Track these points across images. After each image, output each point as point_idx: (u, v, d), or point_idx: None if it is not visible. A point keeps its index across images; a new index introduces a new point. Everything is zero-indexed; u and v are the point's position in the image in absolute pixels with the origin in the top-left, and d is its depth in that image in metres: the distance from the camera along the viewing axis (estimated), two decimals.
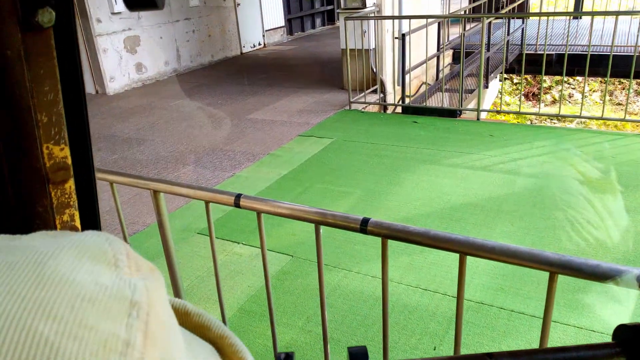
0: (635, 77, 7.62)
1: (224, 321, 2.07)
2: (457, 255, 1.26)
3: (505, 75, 14.89)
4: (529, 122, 12.76)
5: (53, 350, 0.21)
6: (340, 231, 3.56)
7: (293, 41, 12.55)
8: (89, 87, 8.04)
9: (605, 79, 5.53)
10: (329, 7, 14.21)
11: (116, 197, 1.76)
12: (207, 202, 1.58)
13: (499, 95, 14.57)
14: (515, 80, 16.61)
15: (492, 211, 3.78)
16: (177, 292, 2.20)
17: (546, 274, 1.22)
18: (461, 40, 5.76)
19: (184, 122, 6.41)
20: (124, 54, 8.24)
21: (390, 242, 1.58)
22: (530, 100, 15.57)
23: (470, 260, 3.14)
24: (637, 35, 5.39)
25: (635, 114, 13.90)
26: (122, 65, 8.24)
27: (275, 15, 12.11)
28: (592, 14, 6.06)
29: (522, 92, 16.08)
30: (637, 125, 9.81)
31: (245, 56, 10.87)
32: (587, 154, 4.72)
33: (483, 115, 6.23)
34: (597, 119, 6.94)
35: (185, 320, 0.37)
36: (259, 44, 11.57)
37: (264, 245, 1.58)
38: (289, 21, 12.85)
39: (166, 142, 5.68)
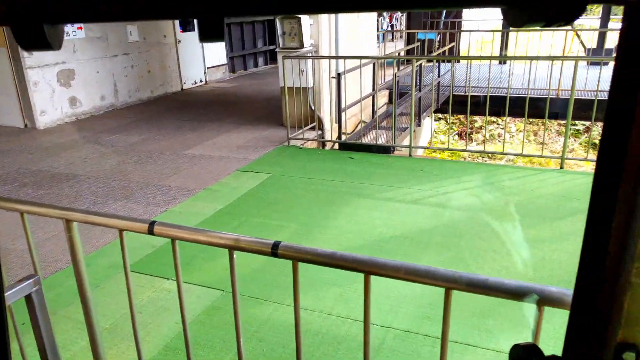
0: (551, 118, 8.22)
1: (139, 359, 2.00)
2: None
3: (439, 115, 15.64)
4: (462, 160, 13.36)
5: None
6: (273, 264, 3.57)
7: (235, 79, 12.67)
8: (17, 121, 7.73)
9: (529, 119, 5.95)
10: (272, 47, 14.53)
11: (27, 229, 1.70)
12: (120, 231, 1.56)
13: (434, 134, 15.23)
14: (449, 120, 17.47)
15: (421, 243, 3.91)
16: (91, 333, 2.08)
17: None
18: (393, 81, 6.05)
19: (118, 157, 6.27)
20: (57, 88, 8.01)
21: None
22: (463, 139, 16.38)
23: (398, 289, 3.20)
24: (553, 79, 5.87)
25: (557, 152, 14.89)
26: (55, 99, 8.00)
27: (217, 53, 12.23)
28: (509, 58, 6.56)
29: (456, 132, 16.91)
30: (557, 162, 10.51)
31: (186, 92, 10.85)
32: (510, 187, 5.02)
33: (420, 152, 6.54)
34: (516, 155, 7.40)
35: None
36: (201, 81, 11.60)
37: (179, 275, 1.57)
38: (231, 59, 13.01)
39: (98, 178, 5.51)
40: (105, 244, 3.97)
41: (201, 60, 11.54)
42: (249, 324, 2.98)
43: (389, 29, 20.00)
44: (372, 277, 1.37)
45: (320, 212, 4.52)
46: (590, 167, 7.05)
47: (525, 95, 8.16)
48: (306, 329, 2.92)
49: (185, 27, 10.85)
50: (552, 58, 6.30)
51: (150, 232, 1.46)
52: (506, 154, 6.67)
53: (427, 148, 7.83)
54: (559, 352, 0.60)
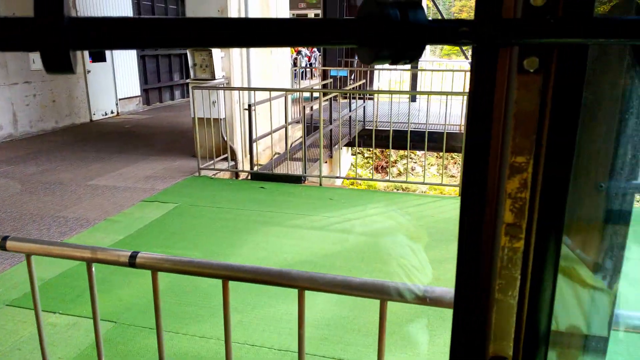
0: (448, 151, 8.78)
1: None
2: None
3: (357, 150, 16.17)
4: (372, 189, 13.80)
5: None
6: (171, 293, 3.45)
7: (149, 111, 12.38)
8: None
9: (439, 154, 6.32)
10: (189, 80, 14.42)
11: None
12: None
13: (352, 168, 15.68)
14: (366, 155, 18.11)
15: (324, 267, 3.97)
16: None
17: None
18: (302, 114, 6.22)
19: (12, 188, 5.85)
20: None
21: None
22: (379, 172, 16.98)
23: (293, 312, 3.20)
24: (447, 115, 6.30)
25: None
26: None
27: (130, 84, 11.93)
28: (410, 92, 6.94)
29: (373, 166, 17.53)
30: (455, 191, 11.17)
31: (95, 124, 10.42)
32: (412, 214, 5.26)
33: (339, 181, 6.69)
34: (418, 183, 7.81)
35: None
36: (112, 112, 11.22)
37: (35, 293, 1.48)
38: (145, 91, 12.73)
39: None
40: None
41: (113, 91, 11.20)
42: (141, 355, 2.85)
43: (308, 66, 20.61)
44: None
45: (227, 241, 4.47)
46: None
47: (436, 130, 8.69)
48: (201, 356, 2.84)
49: (95, 57, 10.53)
50: (445, 93, 6.78)
51: (2, 247, 1.38)
52: (407, 182, 7.02)
53: (337, 177, 8.04)
54: None
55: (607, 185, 0.55)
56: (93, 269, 1.42)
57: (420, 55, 0.39)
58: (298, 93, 8.88)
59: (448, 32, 0.40)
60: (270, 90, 6.37)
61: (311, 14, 24.53)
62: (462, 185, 0.55)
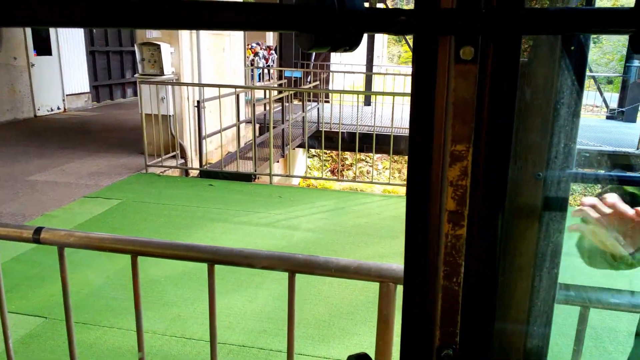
0: (396, 153, 8.96)
1: None
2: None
3: (313, 152, 16.22)
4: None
5: None
6: (109, 288, 3.36)
7: (99, 108, 12.01)
8: None
9: (394, 157, 6.42)
10: (137, 75, 14.08)
11: None
12: None
13: (308, 170, 15.72)
14: (323, 157, 18.23)
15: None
16: None
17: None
18: (252, 113, 6.20)
19: None
20: None
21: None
22: (334, 175, 17.09)
23: (238, 305, 3.18)
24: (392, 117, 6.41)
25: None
26: None
27: (79, 80, 11.54)
28: (358, 92, 7.01)
29: (329, 168, 17.63)
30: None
31: (40, 119, 10.01)
32: (358, 211, 5.32)
33: (295, 182, 6.67)
34: (367, 182, 7.93)
35: None
36: (58, 108, 10.81)
37: None
38: (95, 88, 12.34)
39: None
40: None
41: (59, 86, 10.79)
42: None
43: (265, 67, 20.52)
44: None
45: (170, 237, 4.38)
46: None
47: (383, 133, 8.82)
48: (134, 352, 2.77)
49: (40, 51, 10.13)
50: (383, 94, 6.91)
51: None
52: (356, 181, 7.11)
53: (292, 177, 8.03)
54: None
55: (544, 175, 0.56)
56: None
57: (358, 43, 0.39)
58: (250, 94, 8.83)
59: (386, 20, 0.41)
60: (220, 86, 6.31)
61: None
62: (408, 174, 0.56)
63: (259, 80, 16.92)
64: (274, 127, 8.74)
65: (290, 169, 10.72)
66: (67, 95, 11.08)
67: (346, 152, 14.16)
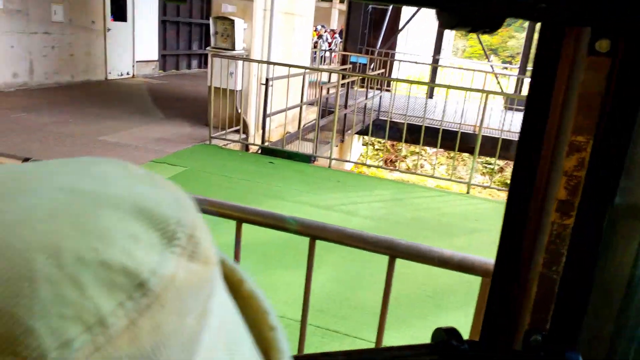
0: (465, 151, 8.74)
1: None
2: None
3: (368, 140, 16.14)
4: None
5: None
6: None
7: (165, 77, 12.37)
8: None
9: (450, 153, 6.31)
10: (208, 48, 14.36)
11: None
12: None
13: (362, 157, 15.68)
14: (376, 147, 18.07)
15: (325, 246, 3.97)
16: None
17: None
18: (319, 96, 6.19)
19: (24, 135, 5.87)
20: None
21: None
22: (388, 165, 16.96)
23: (298, 282, 3.21)
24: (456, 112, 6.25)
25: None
26: None
27: (149, 48, 11.90)
28: (426, 84, 6.89)
29: (382, 158, 17.50)
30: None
31: (110, 82, 10.42)
32: (418, 204, 5.25)
33: (348, 167, 6.69)
34: (427, 176, 7.80)
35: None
36: (128, 74, 11.21)
37: None
38: (163, 57, 12.70)
39: None
40: None
41: (130, 52, 11.17)
42: None
43: (327, 52, 20.47)
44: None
45: None
46: (493, 194, 7.54)
47: (450, 129, 8.64)
48: None
49: (116, 16, 10.49)
50: (465, 89, 6.73)
51: None
52: (416, 173, 7.00)
53: (346, 161, 8.02)
54: None
55: None
56: None
57: (499, 26, 0.39)
58: (315, 76, 8.84)
59: (528, 6, 0.41)
60: (290, 66, 6.33)
61: None
62: (515, 159, 0.57)
63: (321, 63, 16.93)
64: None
65: (345, 154, 10.71)
66: (136, 61, 11.46)
67: (400, 143, 14.00)
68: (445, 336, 0.55)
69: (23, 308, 0.18)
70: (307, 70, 6.75)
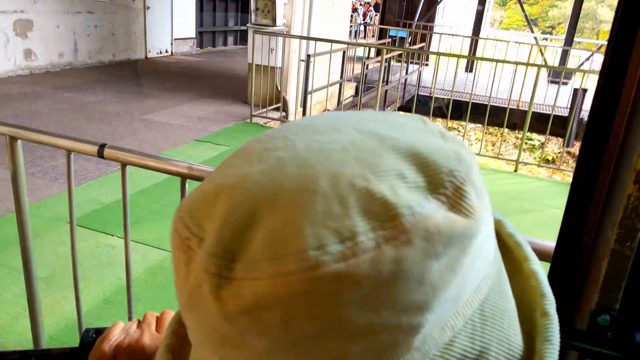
0: (510, 128, 8.49)
1: (78, 312, 1.87)
2: None
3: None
4: None
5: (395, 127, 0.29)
6: None
7: (202, 54, 12.40)
8: None
9: (488, 130, 6.13)
10: (243, 27, 14.30)
11: None
12: (68, 153, 1.48)
13: None
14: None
15: None
16: (28, 280, 1.91)
17: None
18: (362, 71, 6.07)
19: (71, 114, 6.01)
20: (12, 37, 7.59)
21: None
22: None
23: None
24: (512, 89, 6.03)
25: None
26: (9, 49, 7.57)
27: (186, 25, 11.93)
28: (473, 58, 6.66)
29: None
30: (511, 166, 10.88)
31: (150, 61, 10.53)
32: None
33: None
34: (476, 154, 7.60)
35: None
36: (166, 52, 11.29)
37: (126, 198, 1.50)
38: (200, 34, 12.72)
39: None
40: (50, 196, 3.80)
41: (169, 30, 11.23)
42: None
43: (362, 25, 20.11)
44: None
45: None
46: (542, 173, 7.31)
47: (487, 103, 8.39)
48: None
49: None
50: (516, 63, 6.48)
51: (100, 154, 1.39)
52: None
53: None
54: None
55: None
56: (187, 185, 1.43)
57: None
58: (353, 51, 8.68)
59: None
60: (332, 42, 6.22)
61: None
62: (586, 128, 0.53)
63: (356, 37, 16.62)
64: (373, 89, 8.58)
65: None
66: (175, 39, 11.51)
67: (438, 119, 13.69)
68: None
69: (301, 213, 0.23)
70: (348, 46, 6.60)
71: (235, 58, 12.09)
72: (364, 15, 21.86)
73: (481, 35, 14.32)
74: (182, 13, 11.60)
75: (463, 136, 11.43)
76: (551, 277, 0.57)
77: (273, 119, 6.75)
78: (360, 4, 21.32)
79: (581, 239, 0.55)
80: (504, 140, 16.79)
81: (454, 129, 16.42)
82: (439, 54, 6.25)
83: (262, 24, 6.62)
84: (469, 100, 7.37)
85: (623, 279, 0.53)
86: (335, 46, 6.52)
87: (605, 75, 0.51)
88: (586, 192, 0.54)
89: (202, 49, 12.95)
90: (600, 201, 0.53)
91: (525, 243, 0.37)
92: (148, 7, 10.34)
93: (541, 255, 1.13)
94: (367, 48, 8.66)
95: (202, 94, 7.74)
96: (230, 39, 14.21)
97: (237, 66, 10.64)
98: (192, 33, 12.27)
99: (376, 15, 21.56)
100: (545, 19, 39.30)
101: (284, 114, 7.09)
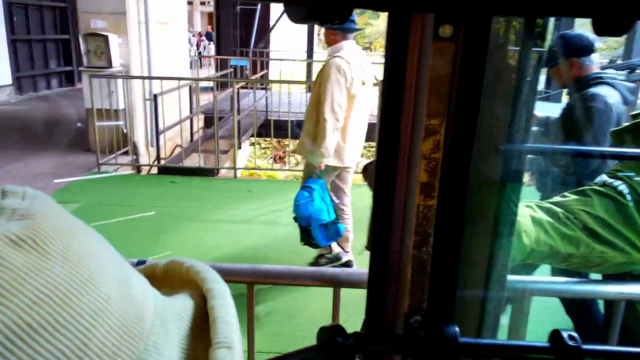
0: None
1: None
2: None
3: (253, 140, 15.99)
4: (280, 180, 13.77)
5: None
6: None
7: (23, 101, 11.08)
8: None
9: None
10: (68, 68, 13.12)
11: None
12: None
13: (250, 159, 15.50)
14: (263, 145, 17.99)
15: (258, 260, 3.89)
16: None
17: None
18: (214, 104, 5.99)
19: None
20: None
21: None
22: (277, 162, 16.98)
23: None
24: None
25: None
26: None
27: (0, 71, 10.55)
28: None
29: (271, 155, 17.48)
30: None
31: None
32: None
33: (239, 174, 6.55)
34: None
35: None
36: None
37: None
38: (17, 79, 11.35)
39: None
40: None
41: None
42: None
43: (197, 56, 19.85)
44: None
45: (146, 241, 4.18)
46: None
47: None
48: None
49: None
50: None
51: None
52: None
53: (253, 169, 7.84)
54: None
55: (504, 148, 0.59)
56: None
57: (348, 17, 0.40)
58: (196, 84, 8.50)
59: None
60: (178, 79, 6.04)
61: None
62: (377, 148, 0.57)
63: (192, 68, 16.30)
64: (225, 119, 8.52)
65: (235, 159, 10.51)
66: None
67: (285, 140, 14.07)
68: (330, 334, 0.55)
69: None
70: (200, 81, 6.47)
71: (64, 102, 11.04)
72: (197, 45, 21.64)
73: (317, 57, 15.12)
74: None
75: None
76: (370, 289, 0.61)
77: (124, 164, 6.29)
78: (193, 35, 21.05)
79: (388, 250, 0.60)
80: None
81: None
82: (280, 81, 6.43)
83: (97, 67, 6.15)
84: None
85: (426, 281, 0.58)
86: (181, 82, 6.33)
87: (387, 98, 0.55)
88: (387, 207, 0.58)
89: (23, 95, 11.57)
90: (400, 211, 0.58)
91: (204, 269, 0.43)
92: None
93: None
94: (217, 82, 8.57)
95: (35, 148, 6.90)
96: (55, 82, 12.93)
97: (69, 110, 9.71)
98: (7, 80, 10.90)
99: (209, 44, 21.46)
100: (364, 36, 42.97)
101: (134, 157, 6.66)
